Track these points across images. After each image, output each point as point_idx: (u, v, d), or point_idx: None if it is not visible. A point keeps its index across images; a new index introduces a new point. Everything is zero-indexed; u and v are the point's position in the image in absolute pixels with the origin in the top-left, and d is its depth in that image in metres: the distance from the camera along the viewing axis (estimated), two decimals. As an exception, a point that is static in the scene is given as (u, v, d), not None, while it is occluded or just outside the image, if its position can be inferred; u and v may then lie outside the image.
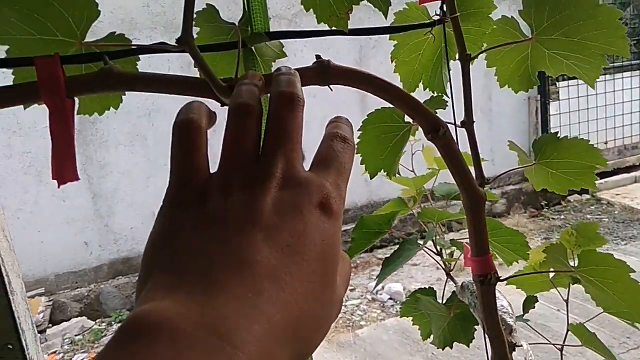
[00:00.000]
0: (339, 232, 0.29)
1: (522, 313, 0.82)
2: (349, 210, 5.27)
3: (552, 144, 0.55)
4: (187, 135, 0.31)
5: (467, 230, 0.51)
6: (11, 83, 0.40)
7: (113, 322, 4.02)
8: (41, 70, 0.36)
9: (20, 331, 0.76)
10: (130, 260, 4.35)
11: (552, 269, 0.71)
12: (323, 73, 0.42)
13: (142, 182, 4.29)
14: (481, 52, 0.53)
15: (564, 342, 0.76)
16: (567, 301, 0.77)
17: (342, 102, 5.05)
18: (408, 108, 0.44)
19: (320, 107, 4.87)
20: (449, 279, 0.79)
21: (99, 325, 3.97)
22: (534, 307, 0.82)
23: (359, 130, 0.60)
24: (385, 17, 0.42)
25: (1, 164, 3.82)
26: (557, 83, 5.66)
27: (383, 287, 4.20)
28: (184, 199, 0.29)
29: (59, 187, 0.37)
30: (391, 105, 0.58)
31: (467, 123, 0.50)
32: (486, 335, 0.57)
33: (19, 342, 0.75)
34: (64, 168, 0.36)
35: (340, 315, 3.88)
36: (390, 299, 4.05)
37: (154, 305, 0.22)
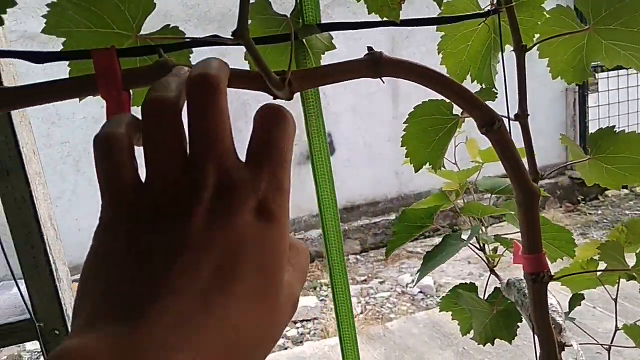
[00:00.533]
0: (281, 234, 0.27)
1: (567, 311, 0.80)
2: (379, 202, 5.24)
3: (608, 139, 0.53)
4: (109, 151, 0.27)
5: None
6: (66, 76, 0.41)
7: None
8: (99, 63, 0.36)
9: (67, 317, 0.79)
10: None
11: (604, 267, 0.68)
12: (375, 65, 0.41)
13: (175, 173, 4.35)
14: (538, 43, 0.51)
15: (611, 342, 0.73)
16: (615, 300, 0.75)
17: (372, 93, 5.02)
18: (462, 100, 0.43)
19: (350, 98, 4.85)
20: (491, 275, 0.77)
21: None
22: (579, 305, 0.79)
23: (404, 122, 0.59)
24: (440, 7, 0.41)
25: (41, 153, 3.93)
26: (596, 74, 5.47)
27: (413, 281, 4.18)
28: (112, 223, 0.26)
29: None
30: (439, 98, 0.57)
31: (522, 116, 0.48)
32: (535, 334, 0.55)
33: (65, 328, 0.78)
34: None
35: (369, 307, 3.88)
36: (420, 292, 4.03)
37: (75, 342, 0.21)
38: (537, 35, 0.59)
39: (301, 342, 3.50)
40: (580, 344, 0.59)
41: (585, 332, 0.76)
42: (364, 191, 5.15)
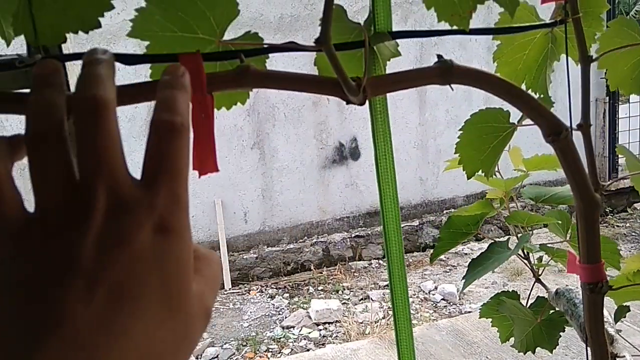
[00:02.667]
0: (183, 247, 0.27)
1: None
2: (402, 208, 5.22)
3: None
4: None
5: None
6: (147, 79, 0.43)
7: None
8: (185, 66, 0.38)
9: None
10: (189, 247, 4.50)
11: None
12: (446, 73, 0.42)
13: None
14: (603, 54, 0.51)
15: (658, 356, 0.72)
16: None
17: (399, 99, 5.01)
18: (530, 109, 0.44)
19: (378, 103, 4.85)
20: (536, 284, 0.77)
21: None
22: (624, 317, 0.79)
23: (460, 130, 0.59)
24: (512, 17, 0.42)
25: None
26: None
27: (436, 288, 4.15)
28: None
29: (199, 177, 0.40)
30: (495, 107, 0.57)
31: (585, 126, 0.49)
32: (587, 345, 0.55)
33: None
34: (204, 160, 0.38)
35: (391, 312, 3.87)
36: (443, 299, 4.00)
37: None
38: (594, 46, 0.59)
39: (323, 344, 3.51)
40: (636, 355, 0.59)
41: (631, 344, 0.75)
42: (388, 196, 5.13)
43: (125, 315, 0.24)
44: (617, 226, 5.22)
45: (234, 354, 3.50)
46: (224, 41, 0.40)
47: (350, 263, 4.85)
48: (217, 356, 3.47)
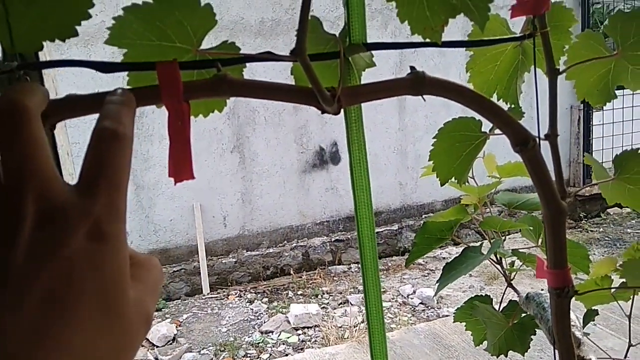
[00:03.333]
0: (118, 255, 0.27)
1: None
2: (382, 212, 5.26)
3: (633, 160, 0.55)
4: None
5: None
6: (124, 86, 0.43)
7: (149, 311, 4.12)
8: (162, 75, 0.39)
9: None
10: (168, 251, 4.46)
11: (616, 284, 0.70)
12: (418, 84, 0.43)
13: (182, 176, 4.39)
14: (570, 67, 0.53)
15: (625, 357, 0.75)
16: (630, 316, 0.77)
17: (379, 104, 5.05)
18: (498, 119, 0.45)
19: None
20: (508, 288, 0.79)
21: (135, 313, 4.09)
22: (593, 320, 0.81)
23: (434, 138, 0.61)
24: (482, 31, 0.43)
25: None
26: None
27: (415, 292, 4.18)
28: None
29: (175, 184, 0.40)
30: (468, 116, 0.59)
31: (552, 136, 0.51)
32: (555, 347, 0.57)
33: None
34: (180, 167, 0.39)
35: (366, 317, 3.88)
36: (422, 303, 4.03)
37: None
38: (563, 58, 0.61)
39: (302, 349, 3.50)
40: (601, 359, 0.61)
41: (599, 347, 0.78)
42: (368, 201, 5.17)
43: (61, 324, 0.24)
44: (591, 231, 5.34)
45: (212, 359, 3.47)
46: (201, 50, 0.41)
47: (329, 267, 4.86)
48: (195, 362, 3.44)
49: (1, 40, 0.37)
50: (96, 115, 0.31)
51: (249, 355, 3.50)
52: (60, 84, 0.79)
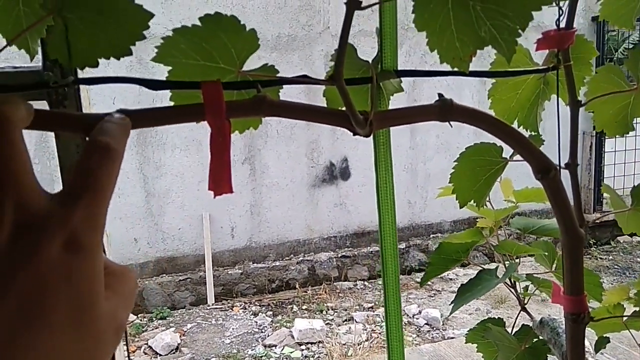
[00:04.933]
0: (93, 265, 0.27)
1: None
2: (389, 230, 5.25)
3: (650, 192, 0.57)
4: None
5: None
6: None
7: (154, 318, 4.13)
8: (207, 94, 0.41)
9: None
10: (175, 259, 4.48)
11: (628, 312, 0.71)
12: (446, 111, 0.45)
13: (193, 185, 4.43)
14: (592, 100, 0.55)
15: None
16: (641, 346, 0.77)
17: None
18: (521, 148, 0.47)
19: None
20: (522, 313, 0.80)
21: (140, 320, 4.10)
22: (604, 347, 0.81)
23: (455, 161, 0.63)
24: (509, 63, 0.45)
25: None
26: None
27: (420, 312, 4.16)
28: None
29: (214, 197, 0.42)
30: (489, 142, 0.61)
31: (572, 165, 0.52)
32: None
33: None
34: (220, 181, 0.41)
35: (375, 335, 3.87)
36: (427, 324, 4.01)
37: None
38: (584, 88, 0.63)
39: (305, 364, 3.49)
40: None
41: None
42: (376, 218, 5.14)
43: (33, 330, 0.24)
44: (600, 258, 5.30)
45: (215, 370, 3.47)
46: (242, 71, 0.43)
47: (335, 283, 4.85)
48: (197, 372, 3.43)
49: (59, 56, 0.39)
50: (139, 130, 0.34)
51: (251, 368, 3.49)
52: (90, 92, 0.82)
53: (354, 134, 0.44)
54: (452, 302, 0.75)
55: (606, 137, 5.50)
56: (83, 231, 0.27)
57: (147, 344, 3.72)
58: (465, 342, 0.89)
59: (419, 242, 5.22)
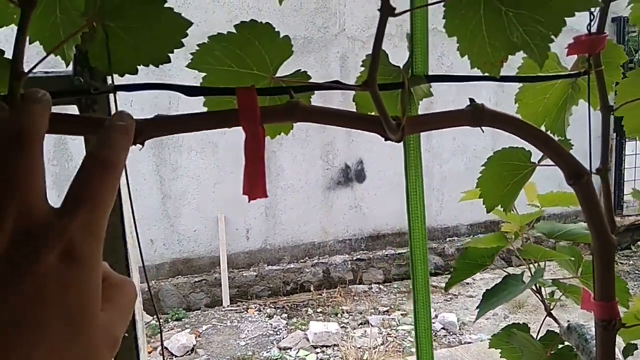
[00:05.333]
0: (90, 277, 0.27)
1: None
2: (404, 233, 5.23)
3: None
4: None
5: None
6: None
7: (169, 320, 4.17)
8: (241, 100, 0.41)
9: (136, 321, 0.83)
10: (191, 261, 4.51)
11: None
12: (478, 116, 0.45)
13: (209, 187, 4.46)
14: (623, 104, 0.55)
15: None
16: (670, 354, 0.76)
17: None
18: (553, 153, 0.47)
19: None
20: (547, 317, 0.79)
21: (156, 321, 4.13)
22: (632, 354, 0.80)
23: (483, 165, 0.63)
24: (540, 69, 0.45)
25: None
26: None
27: (437, 316, 4.13)
28: None
29: (249, 201, 0.43)
30: (518, 146, 0.61)
31: (603, 170, 0.52)
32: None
33: (134, 332, 0.82)
34: (254, 185, 0.41)
35: (390, 339, 3.85)
36: (443, 328, 3.98)
37: None
38: (612, 92, 0.62)
39: (320, 367, 3.49)
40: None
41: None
42: (391, 221, 5.16)
43: (27, 341, 0.24)
44: (621, 263, 5.21)
45: (230, 372, 3.48)
46: (276, 77, 0.44)
47: (350, 286, 4.84)
48: (213, 373, 3.45)
49: (99, 64, 0.40)
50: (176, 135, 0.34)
51: (267, 370, 3.50)
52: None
53: (386, 140, 0.44)
54: (477, 307, 0.75)
55: (627, 139, 5.43)
56: (80, 242, 0.27)
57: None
58: (489, 347, 0.88)
59: (435, 245, 5.19)
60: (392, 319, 4.13)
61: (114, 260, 0.79)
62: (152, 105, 4.05)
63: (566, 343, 0.76)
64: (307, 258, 4.96)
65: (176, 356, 3.64)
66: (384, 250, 5.15)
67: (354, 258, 4.99)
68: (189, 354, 3.69)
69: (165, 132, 0.40)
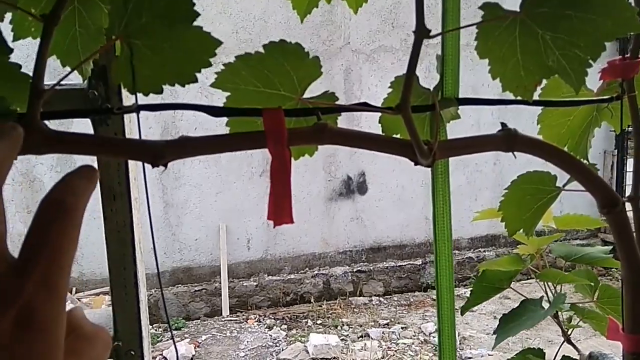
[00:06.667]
0: (49, 344, 0.24)
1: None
2: (405, 246, 5.20)
3: None
4: None
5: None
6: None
7: (168, 329, 4.13)
8: (268, 121, 0.40)
9: (143, 339, 0.81)
10: (191, 270, 4.48)
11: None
12: (510, 141, 0.44)
13: (211, 197, 4.45)
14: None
15: None
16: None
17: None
18: (587, 181, 0.45)
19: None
20: (565, 343, 0.77)
21: (156, 330, 4.09)
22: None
23: (505, 189, 0.61)
24: (577, 93, 0.44)
25: (87, 166, 4.07)
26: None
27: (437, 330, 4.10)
28: None
29: (274, 227, 0.41)
30: (543, 170, 0.59)
31: (635, 198, 0.50)
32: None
33: (140, 350, 0.80)
34: (281, 210, 0.40)
35: (391, 352, 3.81)
36: (444, 343, 3.94)
37: None
38: None
39: (320, 381, 3.45)
40: None
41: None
42: (392, 233, 5.14)
43: None
44: (620, 279, 5.19)
45: (229, 384, 3.44)
46: (304, 99, 0.42)
47: (350, 298, 4.81)
48: (211, 385, 3.41)
49: (123, 81, 0.39)
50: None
51: (265, 382, 3.46)
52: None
53: (416, 164, 0.42)
54: (494, 333, 0.73)
55: (628, 156, 5.42)
56: (39, 304, 0.24)
57: (162, 354, 3.71)
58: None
59: (436, 258, 5.16)
60: (392, 332, 4.09)
61: (122, 277, 0.77)
62: (160, 120, 4.06)
63: (585, 370, 0.74)
64: (307, 269, 4.93)
65: (174, 366, 3.60)
66: (384, 263, 5.12)
67: (355, 270, 4.96)
68: (188, 365, 3.65)
69: (188, 154, 0.38)
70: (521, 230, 0.63)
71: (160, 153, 0.38)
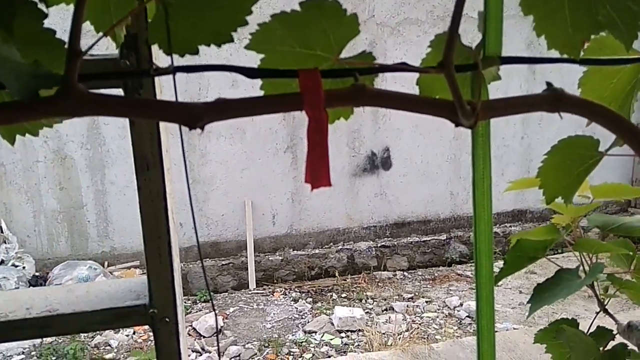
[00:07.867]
0: None
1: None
2: (430, 221, 5.18)
3: None
4: None
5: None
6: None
7: (198, 301, 4.23)
8: (304, 83, 0.39)
9: (177, 306, 0.83)
10: (218, 244, 4.56)
11: None
12: (556, 101, 0.42)
13: (237, 173, 4.48)
14: None
15: None
16: None
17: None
18: (636, 143, 0.43)
19: (413, 115, 4.83)
20: (601, 313, 0.76)
21: (185, 303, 4.20)
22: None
23: (545, 154, 0.59)
24: (628, 51, 0.42)
25: (115, 144, 4.14)
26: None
27: (462, 304, 4.10)
28: None
29: (312, 190, 0.41)
30: (584, 134, 0.57)
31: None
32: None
33: (175, 317, 0.82)
34: (318, 173, 0.39)
35: (415, 326, 3.84)
36: (468, 316, 3.94)
37: None
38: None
39: (345, 352, 3.50)
40: None
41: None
42: (417, 208, 5.11)
43: None
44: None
45: (256, 354, 3.52)
46: (340, 59, 0.41)
47: (374, 272, 4.83)
48: (239, 355, 3.50)
49: (159, 42, 0.38)
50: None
51: (292, 353, 3.53)
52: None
53: (456, 125, 0.41)
54: (528, 302, 0.72)
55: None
56: None
57: (191, 325, 3.81)
58: (534, 343, 0.85)
59: (461, 234, 5.12)
60: (417, 305, 4.11)
61: (157, 245, 0.79)
62: (182, 89, 4.07)
63: (618, 341, 0.72)
64: (331, 244, 4.96)
65: (204, 337, 3.70)
66: (408, 238, 5.11)
67: (379, 245, 4.97)
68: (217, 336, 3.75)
69: (226, 115, 0.38)
70: (559, 199, 0.62)
71: (198, 115, 0.37)
